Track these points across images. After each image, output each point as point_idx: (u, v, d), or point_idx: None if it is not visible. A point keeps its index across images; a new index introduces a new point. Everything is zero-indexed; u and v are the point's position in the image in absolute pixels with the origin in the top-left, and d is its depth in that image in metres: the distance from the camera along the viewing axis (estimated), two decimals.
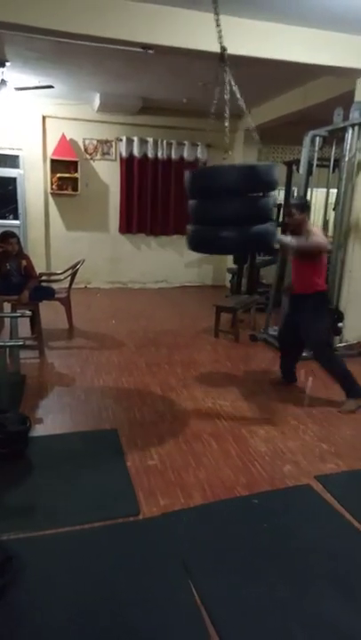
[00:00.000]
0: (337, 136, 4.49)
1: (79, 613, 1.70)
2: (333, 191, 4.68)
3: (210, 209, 2.68)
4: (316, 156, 4.52)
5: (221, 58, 3.08)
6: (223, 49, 3.06)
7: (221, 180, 2.64)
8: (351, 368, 4.49)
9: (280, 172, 7.40)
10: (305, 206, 3.46)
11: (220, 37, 2.98)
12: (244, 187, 2.63)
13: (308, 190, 4.66)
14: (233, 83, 3.05)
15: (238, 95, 3.03)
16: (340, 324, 4.54)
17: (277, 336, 4.14)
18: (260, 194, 2.69)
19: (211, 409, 3.46)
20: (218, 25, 2.95)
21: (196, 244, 2.87)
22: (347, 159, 4.38)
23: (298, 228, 3.39)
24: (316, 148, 4.51)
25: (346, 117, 4.31)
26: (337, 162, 4.59)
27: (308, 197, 4.68)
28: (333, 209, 4.71)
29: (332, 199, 4.74)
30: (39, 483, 2.50)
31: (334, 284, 4.66)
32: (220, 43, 3.02)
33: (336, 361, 3.57)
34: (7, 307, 4.48)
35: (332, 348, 3.73)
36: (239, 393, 3.75)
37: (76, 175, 7.39)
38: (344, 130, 4.32)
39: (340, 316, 4.56)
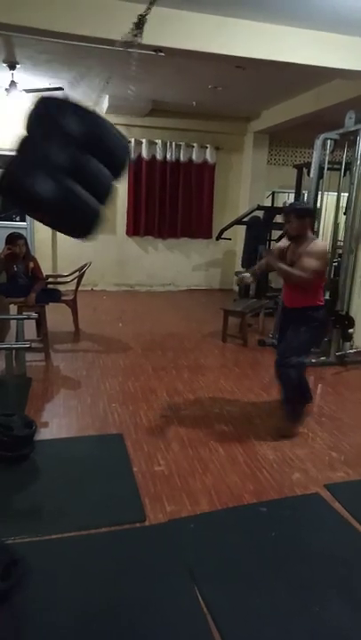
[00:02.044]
0: (349, 139, 4.45)
1: (84, 618, 1.69)
2: (345, 195, 4.63)
3: (43, 143, 2.02)
4: (327, 159, 4.48)
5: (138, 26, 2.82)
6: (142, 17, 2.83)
7: (74, 121, 2.05)
8: (360, 376, 4.45)
9: (289, 176, 7.33)
10: (305, 211, 3.02)
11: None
12: (93, 141, 2.05)
13: (319, 194, 4.62)
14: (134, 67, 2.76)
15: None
16: (350, 330, 4.49)
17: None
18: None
19: (218, 414, 3.42)
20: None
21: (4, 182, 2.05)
22: (358, 163, 4.33)
23: (297, 237, 2.98)
24: (328, 152, 4.47)
25: (358, 120, 4.26)
26: (348, 165, 4.54)
27: (319, 201, 4.65)
28: (344, 213, 4.66)
29: (344, 203, 4.69)
30: (44, 487, 2.48)
31: (345, 289, 4.61)
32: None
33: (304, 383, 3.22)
34: (13, 309, 4.47)
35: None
36: (247, 399, 3.70)
37: None
38: (356, 133, 4.28)
39: (350, 322, 4.51)
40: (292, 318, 3.12)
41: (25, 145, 2.08)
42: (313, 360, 4.52)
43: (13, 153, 2.08)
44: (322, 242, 3.05)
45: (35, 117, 2.14)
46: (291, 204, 3.17)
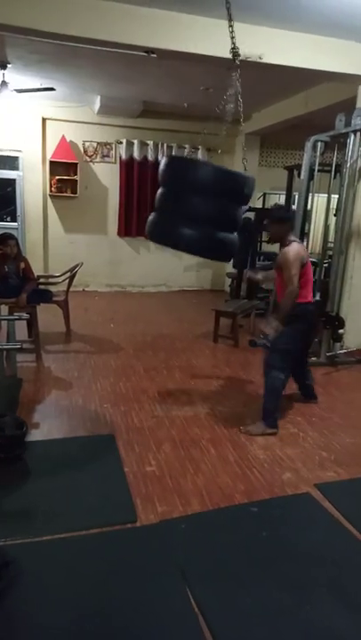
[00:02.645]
0: (339, 141, 4.49)
1: (76, 619, 1.69)
2: (335, 197, 4.67)
3: (181, 202, 2.53)
4: (317, 161, 4.52)
5: (234, 62, 3.02)
6: (235, 54, 2.99)
7: (202, 176, 2.51)
8: (350, 376, 4.49)
9: (280, 177, 7.35)
10: (282, 218, 3.12)
11: (233, 42, 2.97)
12: (222, 190, 2.51)
13: (310, 196, 4.65)
14: (239, 89, 2.96)
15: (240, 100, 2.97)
16: (340, 331, 4.52)
17: None
18: (234, 203, 2.60)
19: (209, 415, 3.43)
20: (231, 30, 2.95)
21: (155, 234, 2.69)
22: (348, 165, 4.37)
23: (279, 241, 3.11)
24: (318, 154, 4.50)
25: (348, 123, 4.30)
26: (339, 167, 4.58)
27: (309, 203, 4.68)
28: (335, 215, 4.70)
29: (334, 205, 4.73)
30: (36, 488, 2.47)
31: (335, 290, 4.64)
32: (233, 47, 2.97)
33: (281, 385, 3.17)
34: (4, 309, 4.44)
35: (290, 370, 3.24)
36: (238, 399, 3.72)
37: (75, 177, 7.37)
38: (346, 135, 4.32)
39: (340, 323, 4.54)
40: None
41: (164, 200, 2.58)
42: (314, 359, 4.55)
43: (156, 207, 2.65)
44: (288, 248, 3.01)
45: (169, 174, 2.60)
46: (271, 209, 3.29)
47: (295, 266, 2.97)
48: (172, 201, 2.58)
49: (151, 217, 2.70)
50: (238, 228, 2.68)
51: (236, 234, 2.66)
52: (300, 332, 3.17)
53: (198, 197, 2.48)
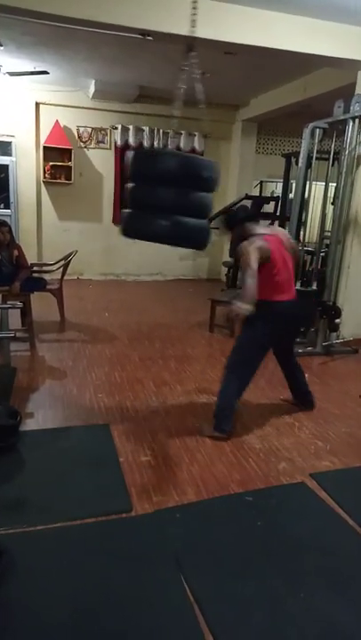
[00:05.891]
0: (337, 128, 4.43)
1: (71, 610, 1.68)
2: (333, 185, 4.62)
3: (148, 194, 2.58)
4: (315, 148, 4.47)
5: (190, 47, 2.96)
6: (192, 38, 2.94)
7: (164, 166, 2.54)
8: (346, 366, 4.49)
9: (278, 165, 7.30)
10: (230, 221, 2.94)
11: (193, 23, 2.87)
12: (184, 178, 2.52)
13: (307, 184, 4.60)
14: (197, 73, 2.95)
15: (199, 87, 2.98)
16: (337, 321, 4.51)
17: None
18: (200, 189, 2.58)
19: (205, 404, 3.41)
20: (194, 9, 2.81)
21: (128, 230, 2.70)
22: (347, 152, 4.32)
23: (235, 243, 2.87)
24: (316, 141, 4.45)
25: (347, 110, 4.25)
26: (337, 155, 4.53)
27: (307, 191, 4.63)
28: (332, 203, 4.65)
29: (332, 193, 4.69)
30: (30, 478, 2.46)
31: (332, 279, 4.62)
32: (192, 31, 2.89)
33: (237, 391, 2.94)
34: None
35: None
36: None
37: (69, 164, 7.27)
38: (345, 122, 4.26)
39: (337, 313, 4.53)
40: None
41: (135, 196, 2.64)
42: (300, 350, 4.54)
43: (128, 204, 2.70)
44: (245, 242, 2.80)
45: (135, 169, 2.64)
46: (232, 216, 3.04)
47: (251, 255, 2.67)
48: (141, 195, 2.64)
49: (125, 213, 2.74)
50: (208, 215, 2.68)
51: (206, 220, 2.67)
52: (262, 336, 2.89)
53: (164, 187, 2.53)
